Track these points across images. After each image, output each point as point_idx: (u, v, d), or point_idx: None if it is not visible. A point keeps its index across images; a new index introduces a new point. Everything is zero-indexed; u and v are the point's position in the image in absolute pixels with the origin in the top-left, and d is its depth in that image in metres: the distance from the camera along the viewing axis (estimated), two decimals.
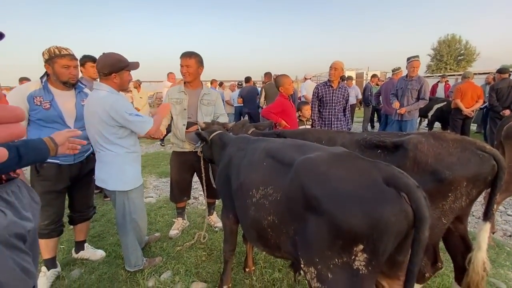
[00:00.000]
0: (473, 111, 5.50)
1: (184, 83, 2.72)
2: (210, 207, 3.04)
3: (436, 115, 7.07)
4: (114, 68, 1.99)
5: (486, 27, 77.58)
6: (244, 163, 1.55)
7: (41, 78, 2.07)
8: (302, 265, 1.13)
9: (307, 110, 3.82)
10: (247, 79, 7.63)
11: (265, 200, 1.29)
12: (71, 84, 2.10)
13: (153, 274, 2.27)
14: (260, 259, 2.39)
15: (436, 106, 7.10)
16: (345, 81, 7.82)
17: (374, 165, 1.05)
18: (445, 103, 6.92)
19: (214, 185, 2.57)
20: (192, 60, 2.55)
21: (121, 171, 2.06)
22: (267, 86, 6.52)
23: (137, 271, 2.28)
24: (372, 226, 0.92)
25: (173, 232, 2.87)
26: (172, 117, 2.70)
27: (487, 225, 1.41)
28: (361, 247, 0.96)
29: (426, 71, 31.25)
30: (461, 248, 1.63)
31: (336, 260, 1.00)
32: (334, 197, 1.00)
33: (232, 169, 1.67)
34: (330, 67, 3.73)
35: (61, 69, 2.00)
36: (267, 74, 6.96)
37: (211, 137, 2.20)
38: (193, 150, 2.66)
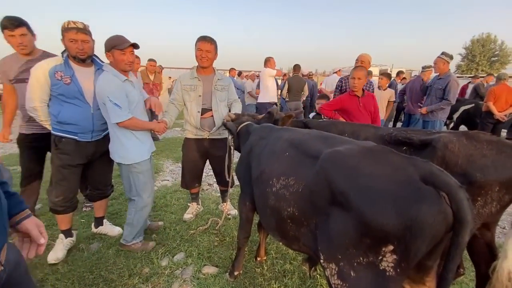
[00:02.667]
0: (506, 115, 5.16)
1: (197, 69, 2.66)
2: (224, 194, 3.06)
3: (462, 118, 6.71)
4: (106, 48, 2.05)
5: None
6: (265, 152, 1.54)
7: (62, 53, 2.12)
8: (321, 260, 1.10)
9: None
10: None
11: (286, 190, 1.27)
12: (80, 59, 2.07)
13: (167, 255, 2.34)
14: (272, 249, 2.40)
15: (462, 108, 6.73)
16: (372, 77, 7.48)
17: (410, 161, 0.99)
18: (473, 105, 6.54)
19: (227, 177, 2.58)
20: (212, 46, 2.53)
21: (121, 145, 2.16)
22: (291, 79, 6.41)
23: (152, 250, 2.36)
24: (406, 226, 0.87)
25: (187, 216, 2.93)
26: (185, 104, 2.67)
27: None
28: (390, 247, 0.91)
29: (456, 71, 29.64)
30: (486, 256, 1.55)
31: (361, 258, 0.97)
32: (364, 193, 0.96)
33: (253, 158, 1.66)
34: (357, 59, 3.59)
35: (69, 43, 2.01)
36: (296, 67, 6.78)
37: (239, 128, 2.19)
38: (207, 138, 2.67)
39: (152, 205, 2.51)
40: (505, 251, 1.36)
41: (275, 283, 2.01)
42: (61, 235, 2.33)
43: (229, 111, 2.72)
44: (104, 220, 2.65)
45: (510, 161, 1.28)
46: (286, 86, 6.26)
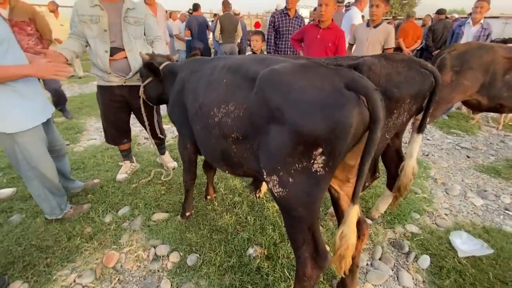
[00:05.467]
0: (412, 51, 5.93)
1: None
2: (160, 147, 2.80)
3: None
4: None
5: None
6: (201, 84, 1.43)
7: None
8: (264, 176, 1.16)
9: (257, 41, 3.57)
10: (195, 7, 6.70)
11: (228, 118, 1.24)
12: None
13: (110, 211, 2.20)
14: (221, 187, 2.48)
15: None
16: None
17: (335, 71, 1.05)
18: None
19: (158, 133, 2.37)
20: None
21: None
22: (222, 18, 5.86)
23: (90, 210, 2.18)
24: (332, 129, 0.96)
25: (120, 176, 2.63)
26: (87, 42, 2.12)
27: (420, 137, 1.62)
28: (320, 150, 1.01)
29: None
30: (395, 159, 1.89)
31: (297, 165, 1.06)
32: (297, 105, 1.01)
33: (188, 94, 1.55)
34: None
35: None
36: (225, 3, 6.15)
37: (161, 69, 1.90)
38: (123, 84, 2.26)
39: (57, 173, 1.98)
40: (410, 152, 1.66)
41: (227, 214, 2.13)
42: None
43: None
44: None
45: (418, 76, 1.48)
46: (218, 26, 5.77)
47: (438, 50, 5.62)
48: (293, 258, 1.74)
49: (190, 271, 1.68)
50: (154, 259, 1.79)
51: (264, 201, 2.28)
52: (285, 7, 3.55)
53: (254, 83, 1.15)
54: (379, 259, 1.81)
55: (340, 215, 1.40)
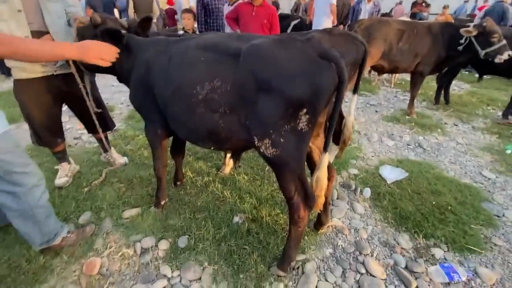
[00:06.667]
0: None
1: None
2: (102, 142, 2.45)
3: (293, 31, 8.16)
4: None
5: None
6: (174, 65, 1.42)
7: None
8: (256, 142, 1.31)
9: (189, 20, 3.47)
10: None
11: (214, 93, 1.31)
12: None
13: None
14: (188, 171, 2.49)
15: (293, 23, 8.12)
16: None
17: (309, 43, 1.26)
18: (299, 20, 8.00)
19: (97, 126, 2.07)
20: None
21: None
22: None
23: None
24: (313, 91, 1.19)
25: (60, 180, 2.31)
26: None
27: (356, 97, 2.02)
28: (304, 111, 1.23)
29: None
30: (339, 118, 2.30)
31: (286, 126, 1.25)
32: (282, 75, 1.18)
33: (157, 77, 1.50)
34: None
35: None
36: None
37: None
38: (54, 73, 1.95)
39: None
40: (349, 110, 2.05)
41: (202, 194, 2.20)
42: None
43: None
44: None
45: (355, 46, 1.82)
46: (131, 4, 5.18)
47: (341, 25, 6.60)
48: (275, 215, 1.99)
49: (185, 251, 1.74)
50: (142, 252, 1.75)
51: (235, 175, 2.42)
52: None
53: (237, 58, 1.24)
54: (337, 199, 2.25)
55: (312, 166, 1.69)
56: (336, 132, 2.39)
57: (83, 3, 5.75)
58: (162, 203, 2.05)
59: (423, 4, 8.33)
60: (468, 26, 3.16)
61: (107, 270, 1.65)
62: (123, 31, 1.65)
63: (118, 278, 1.61)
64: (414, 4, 8.43)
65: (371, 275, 1.62)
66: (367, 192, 2.31)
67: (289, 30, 8.12)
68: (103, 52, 1.44)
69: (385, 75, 5.33)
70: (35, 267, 1.63)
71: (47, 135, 2.17)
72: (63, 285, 1.55)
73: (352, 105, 2.08)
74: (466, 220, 1.99)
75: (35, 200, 1.49)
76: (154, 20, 5.88)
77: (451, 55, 3.42)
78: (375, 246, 1.83)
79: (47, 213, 1.59)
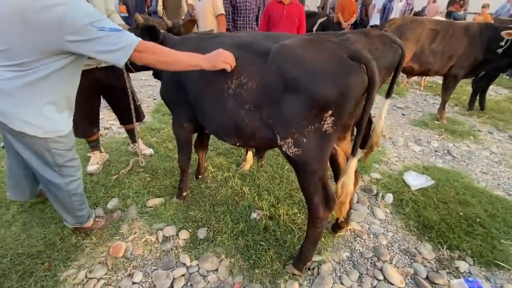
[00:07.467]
0: (349, 25, 6.53)
1: None
2: (132, 133, 2.65)
3: (320, 30, 8.00)
4: None
5: None
6: None
7: None
8: (279, 141, 1.33)
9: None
10: None
11: (242, 90, 1.34)
12: None
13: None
14: (209, 165, 2.56)
15: (319, 21, 7.97)
16: None
17: (339, 45, 1.24)
18: (326, 18, 7.83)
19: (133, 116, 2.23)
20: None
21: (32, 105, 1.34)
22: None
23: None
24: (340, 93, 1.17)
25: (92, 167, 2.49)
26: None
27: (387, 101, 1.94)
28: (330, 112, 1.22)
29: None
30: (367, 122, 2.24)
31: (310, 127, 1.25)
32: (310, 75, 1.18)
33: (190, 72, 1.56)
34: None
35: None
36: None
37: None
38: (98, 66, 2.12)
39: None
40: (380, 114, 1.99)
41: (222, 188, 2.25)
42: None
43: None
44: None
45: (391, 49, 1.75)
46: (160, 1, 5.35)
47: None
48: (292, 214, 2.00)
49: (204, 242, 1.80)
50: (164, 240, 1.84)
51: (254, 172, 2.46)
52: None
53: (266, 58, 1.26)
54: (357, 202, 2.21)
55: (336, 169, 1.67)
56: (363, 136, 2.36)
57: (117, 0, 6.03)
58: (184, 194, 2.13)
59: (462, 2, 7.83)
60: (511, 28, 2.94)
61: (131, 254, 1.75)
62: (162, 30, 1.75)
63: (141, 263, 1.70)
64: (451, 2, 7.94)
65: (389, 282, 1.59)
66: (389, 197, 2.24)
67: (315, 28, 8.00)
68: (226, 58, 1.41)
69: (415, 77, 5.10)
70: (68, 245, 1.76)
71: (86, 125, 2.34)
72: (92, 264, 1.67)
73: (383, 110, 2.00)
74: (496, 234, 1.88)
75: (74, 190, 1.63)
76: (183, 17, 6.03)
77: (489, 58, 3.21)
78: (394, 253, 1.79)
79: (81, 201, 1.73)
